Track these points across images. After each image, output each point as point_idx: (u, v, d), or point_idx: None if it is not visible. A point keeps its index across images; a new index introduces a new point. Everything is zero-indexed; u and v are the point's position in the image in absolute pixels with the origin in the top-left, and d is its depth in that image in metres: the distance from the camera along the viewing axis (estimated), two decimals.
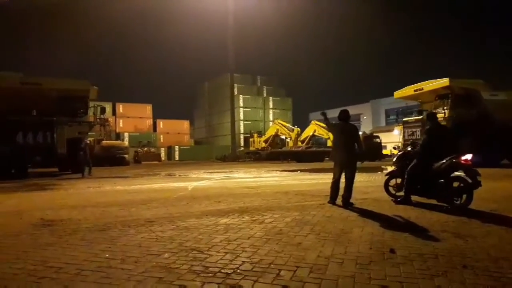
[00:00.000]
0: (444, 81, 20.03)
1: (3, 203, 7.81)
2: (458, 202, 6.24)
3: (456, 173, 6.36)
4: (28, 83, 17.19)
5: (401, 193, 7.12)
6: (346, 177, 6.90)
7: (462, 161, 6.21)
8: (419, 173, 6.68)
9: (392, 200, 7.18)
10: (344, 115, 7.06)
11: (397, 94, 23.46)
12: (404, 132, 22.05)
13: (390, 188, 7.50)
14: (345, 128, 7.02)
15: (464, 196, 6.19)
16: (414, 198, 6.92)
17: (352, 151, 6.92)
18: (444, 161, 6.34)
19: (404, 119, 22.77)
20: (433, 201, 6.68)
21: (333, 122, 7.37)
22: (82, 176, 15.44)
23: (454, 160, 6.26)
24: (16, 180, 14.27)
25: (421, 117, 21.35)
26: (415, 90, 21.70)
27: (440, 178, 6.43)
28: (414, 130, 21.48)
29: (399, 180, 7.35)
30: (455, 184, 6.34)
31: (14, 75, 25.50)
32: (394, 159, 7.58)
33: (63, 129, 17.12)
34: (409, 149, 7.31)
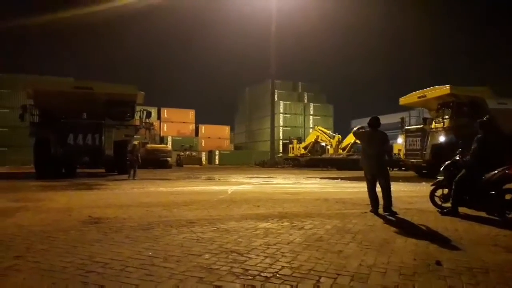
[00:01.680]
0: (445, 88, 18.68)
1: (55, 201, 8.26)
2: (510, 216, 5.89)
3: (508, 185, 6.01)
4: (81, 87, 18.08)
5: (448, 204, 6.81)
6: (380, 186, 6.74)
7: None
8: (468, 184, 6.37)
9: (438, 211, 6.88)
10: (374, 122, 6.91)
11: (403, 100, 21.82)
12: (406, 142, 20.90)
13: (436, 199, 7.19)
14: (374, 135, 6.86)
15: None
16: (462, 209, 6.59)
17: (381, 158, 6.76)
18: (496, 171, 6.01)
19: (406, 127, 21.38)
20: (483, 214, 6.34)
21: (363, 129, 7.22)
22: (128, 178, 15.78)
23: (507, 171, 5.91)
24: (66, 179, 15.05)
25: (422, 126, 20.27)
26: (418, 97, 20.33)
27: (491, 190, 6.09)
28: (415, 139, 20.16)
29: (446, 191, 7.03)
30: (508, 197, 5.99)
31: (67, 80, 27.06)
32: (441, 169, 7.26)
33: (111, 131, 17.79)
34: (457, 158, 6.98)
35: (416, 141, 20.03)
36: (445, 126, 18.61)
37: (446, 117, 18.55)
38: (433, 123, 19.37)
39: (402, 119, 22.14)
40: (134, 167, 16.22)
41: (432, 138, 19.02)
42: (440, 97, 19.20)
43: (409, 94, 21.37)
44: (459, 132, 17.47)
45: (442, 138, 18.47)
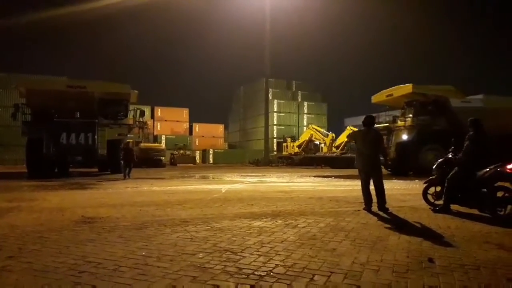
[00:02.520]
0: (407, 87, 19.00)
1: (48, 200, 8.20)
2: (502, 213, 5.94)
3: (500, 183, 6.07)
4: (74, 86, 17.97)
5: (440, 202, 6.86)
6: (374, 184, 6.80)
7: (508, 170, 5.91)
8: (460, 181, 6.42)
9: (430, 208, 6.93)
10: (369, 121, 6.95)
11: (374, 98, 21.98)
12: None
13: (429, 196, 7.24)
14: (368, 134, 6.90)
15: (509, 206, 5.88)
16: (454, 207, 6.65)
17: (375, 157, 6.81)
18: (488, 169, 6.06)
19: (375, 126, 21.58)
20: (475, 211, 6.39)
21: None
22: (124, 178, 15.33)
23: (499, 169, 5.97)
24: (59, 179, 14.95)
25: (388, 124, 20.56)
26: (386, 96, 20.58)
27: (483, 187, 6.14)
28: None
29: (438, 188, 7.08)
30: (499, 194, 6.04)
31: (60, 79, 26.87)
32: (434, 166, 7.32)
33: (104, 131, 17.75)
34: (449, 156, 7.04)
35: (391, 138, 20.19)
36: (406, 125, 18.99)
37: (410, 115, 18.90)
38: (398, 121, 19.81)
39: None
40: (130, 166, 15.97)
41: (396, 136, 19.41)
42: (404, 96, 19.52)
43: (379, 92, 21.54)
44: (421, 130, 17.92)
45: (404, 136, 18.79)
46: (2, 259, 3.68)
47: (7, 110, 24.40)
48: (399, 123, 19.57)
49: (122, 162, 16.53)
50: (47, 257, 3.75)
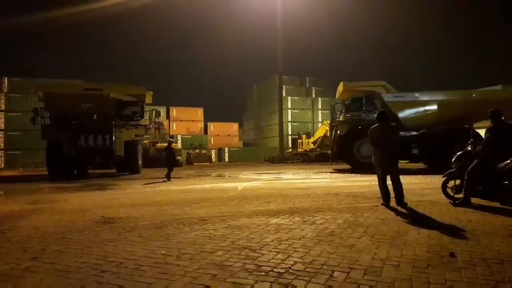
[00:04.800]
0: (340, 86, 20.58)
1: (68, 202, 8.37)
2: None
3: None
4: (90, 89, 18.26)
5: (460, 195, 6.74)
6: (391, 179, 6.72)
7: None
8: (480, 174, 6.30)
9: (450, 202, 6.82)
10: (382, 116, 6.88)
11: (337, 95, 22.62)
12: (330, 134, 22.49)
13: (448, 190, 7.13)
14: (384, 128, 6.82)
15: None
16: (475, 200, 6.53)
17: (391, 152, 6.74)
18: (509, 161, 5.92)
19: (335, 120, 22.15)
20: (496, 204, 6.27)
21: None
22: (168, 179, 14.33)
23: None
24: (78, 180, 15.22)
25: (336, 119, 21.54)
26: (340, 93, 21.33)
27: (505, 180, 6.01)
28: (332, 132, 21.95)
29: (458, 182, 6.97)
30: None
31: (77, 82, 27.35)
32: (453, 160, 7.19)
33: (121, 132, 17.93)
34: (469, 148, 6.90)
35: (332, 134, 22.07)
36: (341, 120, 20.50)
37: (348, 110, 20.11)
38: (340, 116, 20.98)
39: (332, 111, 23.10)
40: (171, 166, 15.04)
41: (335, 132, 21.00)
42: (343, 92, 20.82)
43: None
44: (352, 126, 19.05)
45: (339, 132, 20.22)
46: (26, 260, 3.77)
47: (26, 114, 24.95)
48: (341, 118, 20.92)
49: (166, 163, 15.48)
50: (70, 257, 3.82)
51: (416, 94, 19.16)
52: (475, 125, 19.04)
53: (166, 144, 17.19)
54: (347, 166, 19.72)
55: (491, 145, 6.25)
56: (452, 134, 16.98)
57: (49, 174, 17.23)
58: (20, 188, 12.48)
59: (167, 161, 15.43)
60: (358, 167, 18.39)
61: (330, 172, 17.92)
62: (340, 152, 19.77)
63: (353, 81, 20.84)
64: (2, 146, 31.88)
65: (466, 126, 17.98)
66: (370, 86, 20.09)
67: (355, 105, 19.74)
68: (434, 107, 18.49)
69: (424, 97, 18.96)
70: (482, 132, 7.07)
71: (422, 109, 18.55)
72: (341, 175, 16.14)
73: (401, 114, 18.65)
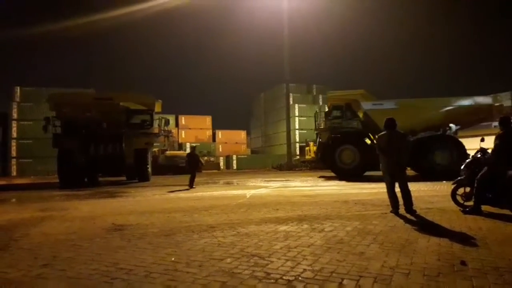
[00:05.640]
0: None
1: (79, 209, 8.45)
2: None
3: None
4: (101, 98, 18.48)
5: (470, 203, 6.67)
6: (399, 187, 6.69)
7: None
8: (490, 181, 6.24)
9: (460, 210, 6.76)
10: (389, 123, 6.86)
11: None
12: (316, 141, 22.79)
13: (458, 197, 7.06)
14: (392, 136, 6.80)
15: None
16: (485, 208, 6.46)
17: (399, 158, 6.72)
18: None
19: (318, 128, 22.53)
20: (507, 211, 6.19)
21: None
22: (190, 187, 13.91)
23: None
24: (89, 188, 15.36)
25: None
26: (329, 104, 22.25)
27: None
28: (317, 139, 22.31)
29: (467, 189, 6.90)
30: None
31: (87, 91, 27.69)
32: (462, 167, 7.14)
33: (131, 140, 18.07)
34: (478, 155, 6.85)
35: (317, 141, 22.69)
36: (321, 127, 21.27)
37: (329, 118, 20.79)
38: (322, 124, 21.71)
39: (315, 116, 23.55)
40: (194, 174, 14.48)
41: (319, 138, 21.59)
42: (328, 100, 21.94)
43: None
44: (333, 133, 19.59)
45: (321, 139, 20.85)
46: (37, 267, 3.82)
47: (38, 123, 25.27)
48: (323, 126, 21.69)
49: (189, 169, 14.72)
50: (81, 264, 3.87)
51: (394, 102, 19.34)
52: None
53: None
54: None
55: (501, 152, 6.20)
56: (432, 142, 17.26)
57: (60, 182, 17.40)
58: (32, 195, 12.62)
59: (190, 167, 14.66)
60: (340, 174, 18.81)
61: (339, 180, 17.83)
62: (323, 159, 20.33)
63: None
64: (14, 154, 32.30)
65: (448, 134, 18.06)
66: (350, 94, 20.74)
67: (336, 113, 20.49)
68: (412, 113, 18.44)
69: (403, 105, 19.04)
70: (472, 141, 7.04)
71: (400, 116, 18.48)
72: (350, 182, 16.05)
73: (379, 122, 18.81)
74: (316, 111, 23.89)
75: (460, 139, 17.94)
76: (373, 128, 19.55)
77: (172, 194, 11.92)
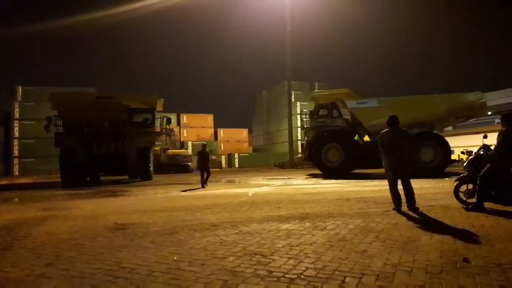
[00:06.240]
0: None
1: (81, 208, 8.46)
2: None
3: None
4: (103, 97, 18.51)
5: (473, 200, 6.66)
6: (402, 184, 6.66)
7: None
8: (493, 178, 6.22)
9: (463, 207, 6.74)
10: (393, 120, 6.83)
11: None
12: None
13: (461, 195, 7.04)
14: (394, 133, 6.77)
15: None
16: (488, 205, 6.44)
17: (401, 156, 6.69)
18: None
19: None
20: (510, 208, 6.17)
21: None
22: (202, 187, 13.58)
23: None
24: (91, 187, 15.39)
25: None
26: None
27: None
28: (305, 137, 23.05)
29: (470, 186, 6.88)
30: None
31: (89, 90, 27.74)
32: (465, 164, 7.12)
33: (133, 139, 18.10)
34: (481, 152, 6.83)
35: (305, 139, 23.30)
36: (306, 126, 21.94)
37: (315, 117, 21.26)
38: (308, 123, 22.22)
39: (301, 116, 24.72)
40: (207, 172, 14.06)
41: (306, 137, 22.49)
42: (314, 100, 22.37)
43: None
44: (319, 131, 20.25)
45: (308, 137, 21.62)
46: (40, 266, 3.83)
47: (40, 122, 25.35)
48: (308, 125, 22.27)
49: (200, 168, 14.38)
50: (83, 263, 3.87)
51: (378, 100, 19.60)
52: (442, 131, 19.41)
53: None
54: (358, 171, 19.63)
55: (504, 149, 6.18)
56: (417, 139, 17.31)
57: (62, 181, 17.46)
58: (34, 195, 12.66)
59: (201, 166, 14.19)
60: (326, 171, 19.33)
61: (341, 178, 17.82)
62: (310, 157, 20.87)
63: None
64: (17, 154, 32.41)
65: (434, 131, 18.18)
66: (334, 93, 21.37)
67: (322, 112, 20.97)
68: (395, 112, 18.41)
69: (386, 103, 19.27)
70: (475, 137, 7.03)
71: (384, 114, 18.60)
72: (352, 180, 16.04)
73: (364, 120, 19.41)
74: (302, 110, 24.67)
75: (463, 136, 18.01)
76: (358, 126, 19.83)
77: (174, 193, 11.93)
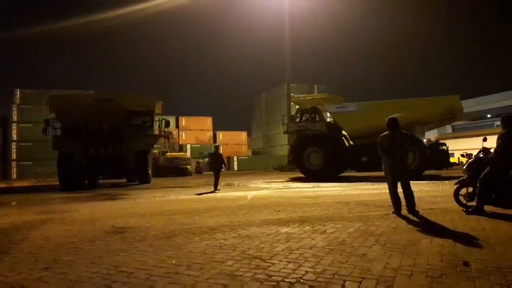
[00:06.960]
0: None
1: (79, 212, 8.43)
2: None
3: None
4: (101, 99, 18.46)
5: (473, 203, 6.64)
6: (402, 187, 6.64)
7: None
8: (493, 181, 6.21)
9: (463, 210, 6.72)
10: (392, 123, 6.80)
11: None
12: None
13: (461, 198, 7.03)
14: (394, 136, 6.75)
15: None
16: (488, 208, 6.43)
17: (401, 159, 6.67)
18: None
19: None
20: (510, 211, 6.16)
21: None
22: (215, 190, 13.19)
23: None
24: (89, 190, 15.34)
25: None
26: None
27: None
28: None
29: (470, 189, 6.87)
30: None
31: (87, 93, 27.72)
32: (465, 167, 7.11)
33: (131, 141, 18.05)
34: (481, 155, 6.82)
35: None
36: (287, 130, 22.30)
37: (297, 121, 21.51)
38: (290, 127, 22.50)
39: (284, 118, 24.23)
40: (218, 175, 13.66)
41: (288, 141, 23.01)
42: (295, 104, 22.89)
43: None
44: (300, 136, 20.52)
45: (291, 141, 21.89)
46: (38, 270, 3.80)
47: (38, 125, 25.29)
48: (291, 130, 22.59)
49: (214, 171, 13.85)
50: (81, 267, 3.84)
51: (356, 105, 19.86)
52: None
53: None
54: (357, 175, 19.65)
55: (504, 152, 6.17)
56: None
57: (60, 184, 17.39)
58: (32, 198, 12.62)
59: (215, 168, 13.82)
60: (308, 175, 19.51)
61: (340, 181, 17.80)
62: (293, 161, 21.22)
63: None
64: (14, 157, 32.35)
65: (414, 134, 18.19)
66: (314, 98, 21.94)
67: (303, 117, 21.28)
68: (373, 116, 18.44)
69: (364, 107, 19.52)
70: (475, 140, 7.03)
71: (362, 118, 18.85)
72: (351, 183, 16.02)
73: (343, 124, 19.72)
74: (284, 115, 24.74)
75: (462, 139, 18.05)
76: (337, 130, 20.23)
77: (172, 196, 11.90)
